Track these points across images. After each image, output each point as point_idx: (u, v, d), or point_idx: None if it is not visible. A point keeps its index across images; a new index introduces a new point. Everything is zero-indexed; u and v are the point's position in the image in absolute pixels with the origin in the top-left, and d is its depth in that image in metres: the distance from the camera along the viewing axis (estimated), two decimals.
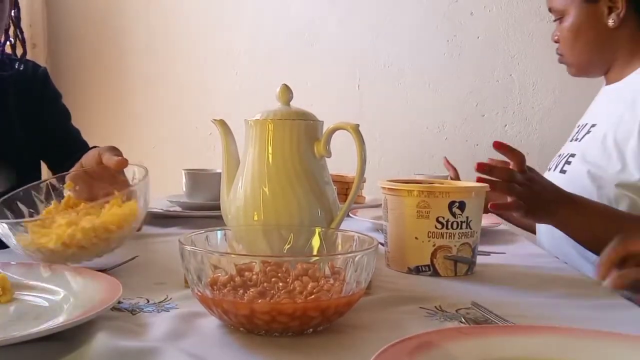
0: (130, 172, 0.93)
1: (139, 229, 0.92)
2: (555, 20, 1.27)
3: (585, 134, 1.23)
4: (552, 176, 1.24)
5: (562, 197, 1.01)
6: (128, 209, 0.82)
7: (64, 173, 0.96)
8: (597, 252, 0.89)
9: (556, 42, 1.28)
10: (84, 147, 1.38)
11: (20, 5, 1.30)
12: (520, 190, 0.96)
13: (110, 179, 0.93)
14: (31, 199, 0.92)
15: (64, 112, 1.39)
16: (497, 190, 0.94)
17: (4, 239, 0.81)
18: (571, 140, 1.30)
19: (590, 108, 1.34)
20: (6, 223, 0.80)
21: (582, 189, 1.13)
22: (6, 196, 0.90)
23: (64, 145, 1.35)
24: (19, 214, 0.89)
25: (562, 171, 1.21)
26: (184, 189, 1.38)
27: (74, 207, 0.89)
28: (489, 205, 0.94)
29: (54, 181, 0.95)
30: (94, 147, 1.08)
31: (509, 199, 0.96)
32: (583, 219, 1.00)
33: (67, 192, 0.93)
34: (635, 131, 1.10)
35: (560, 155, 1.29)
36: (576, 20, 1.21)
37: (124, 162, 0.91)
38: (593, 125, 1.22)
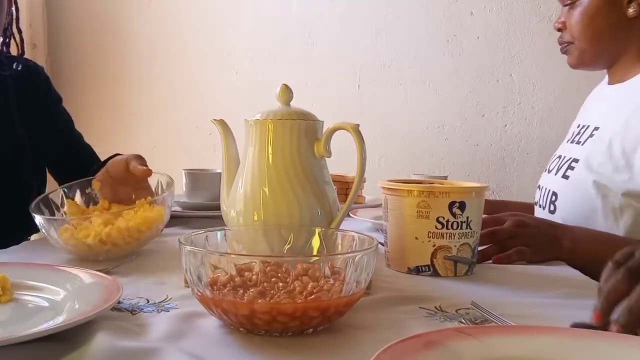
0: (155, 180, 1.06)
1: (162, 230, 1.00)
2: (565, 5, 1.21)
3: (588, 137, 1.18)
4: (553, 180, 1.21)
5: (561, 230, 0.99)
6: (156, 213, 0.92)
7: (90, 177, 1.06)
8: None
9: (559, 29, 1.22)
10: (86, 149, 1.38)
11: (20, 5, 1.30)
12: (513, 241, 0.94)
13: (135, 184, 1.04)
14: (60, 199, 1.02)
15: (66, 116, 1.40)
16: (496, 253, 0.93)
17: (45, 232, 0.90)
18: (571, 142, 1.26)
19: (591, 108, 1.30)
20: (52, 219, 0.92)
21: (586, 196, 1.11)
22: (43, 195, 1.00)
23: (65, 146, 1.36)
24: (52, 211, 0.99)
25: (565, 176, 1.18)
26: (184, 189, 1.39)
27: (108, 210, 1.01)
28: (492, 260, 0.92)
29: (83, 184, 1.06)
30: (117, 154, 1.16)
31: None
32: (588, 247, 0.97)
33: (91, 191, 1.05)
34: None
35: (561, 157, 1.25)
36: (592, 3, 1.15)
37: (149, 172, 1.03)
38: (596, 129, 1.17)
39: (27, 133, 1.28)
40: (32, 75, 1.33)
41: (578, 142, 1.22)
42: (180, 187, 1.40)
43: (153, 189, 1.07)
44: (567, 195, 1.16)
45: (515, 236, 0.94)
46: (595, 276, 0.88)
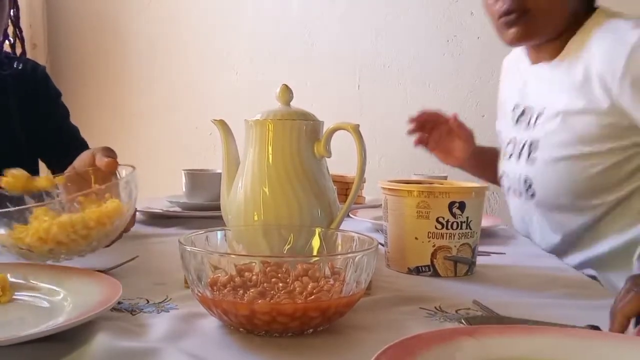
0: (123, 174, 0.91)
1: (126, 230, 0.91)
2: None
3: (537, 120, 1.20)
4: (519, 166, 1.23)
5: None
6: (110, 206, 0.80)
7: (57, 175, 0.95)
8: None
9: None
10: (82, 145, 1.38)
11: (20, 5, 1.31)
12: None
13: (103, 180, 0.91)
14: (22, 200, 0.89)
15: (63, 110, 1.40)
16: None
17: None
18: (516, 123, 1.27)
19: (527, 89, 1.28)
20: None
21: (564, 174, 1.14)
22: None
23: (62, 143, 1.36)
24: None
25: (531, 160, 1.19)
26: (184, 189, 1.38)
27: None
28: None
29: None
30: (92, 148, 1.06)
31: None
32: None
33: (57, 192, 0.92)
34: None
35: (513, 141, 1.27)
36: None
37: (114, 164, 0.90)
38: (544, 109, 1.19)
39: (25, 132, 1.28)
40: (31, 73, 1.34)
41: (527, 125, 1.23)
42: (180, 187, 1.40)
43: None
44: (542, 178, 1.18)
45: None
46: None
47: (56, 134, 1.35)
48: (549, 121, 1.17)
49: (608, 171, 1.12)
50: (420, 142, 1.45)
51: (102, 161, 0.90)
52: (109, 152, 0.92)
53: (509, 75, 1.40)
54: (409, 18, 2.34)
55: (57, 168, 1.35)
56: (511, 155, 1.28)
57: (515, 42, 1.23)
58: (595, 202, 1.14)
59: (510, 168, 1.29)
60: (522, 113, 1.27)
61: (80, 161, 0.95)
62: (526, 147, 1.22)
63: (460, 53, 2.31)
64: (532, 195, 1.21)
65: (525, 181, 1.22)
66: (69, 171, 0.96)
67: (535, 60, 1.27)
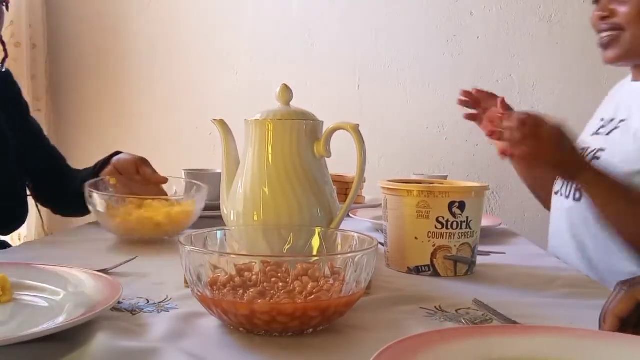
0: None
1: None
2: None
3: (614, 129, 1.18)
4: None
5: (582, 161, 1.01)
6: (181, 209, 1.10)
7: (99, 178, 1.17)
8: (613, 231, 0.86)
9: (605, 17, 1.14)
10: (56, 152, 1.40)
11: (20, 5, 1.30)
12: (526, 140, 0.94)
13: (142, 182, 1.19)
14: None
15: (35, 122, 1.40)
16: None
17: (94, 208, 1.06)
18: (595, 134, 1.24)
19: (615, 102, 1.26)
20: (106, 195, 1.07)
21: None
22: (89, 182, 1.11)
23: (43, 150, 1.37)
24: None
25: None
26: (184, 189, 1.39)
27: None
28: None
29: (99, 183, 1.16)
30: (118, 152, 1.25)
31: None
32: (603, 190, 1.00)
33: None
34: None
35: (584, 149, 1.21)
36: None
37: (165, 180, 1.21)
38: (622, 121, 1.17)
39: (14, 135, 1.27)
40: (6, 79, 1.33)
41: (602, 134, 1.21)
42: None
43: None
44: None
45: (529, 137, 0.95)
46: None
47: (39, 139, 1.37)
48: (623, 132, 1.15)
49: None
50: (472, 117, 1.33)
51: (154, 177, 1.19)
52: (149, 164, 1.21)
53: (615, 95, 1.32)
54: (409, 18, 2.34)
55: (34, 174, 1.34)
56: None
57: (612, 61, 1.18)
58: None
59: None
60: (603, 125, 1.23)
61: (123, 166, 1.20)
62: (592, 153, 1.19)
63: (460, 53, 2.31)
64: (578, 199, 1.16)
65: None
66: (111, 172, 1.20)
67: (636, 78, 1.23)
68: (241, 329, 0.58)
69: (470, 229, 0.84)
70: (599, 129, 1.25)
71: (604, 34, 1.15)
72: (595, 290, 0.79)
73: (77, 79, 2.57)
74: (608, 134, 1.19)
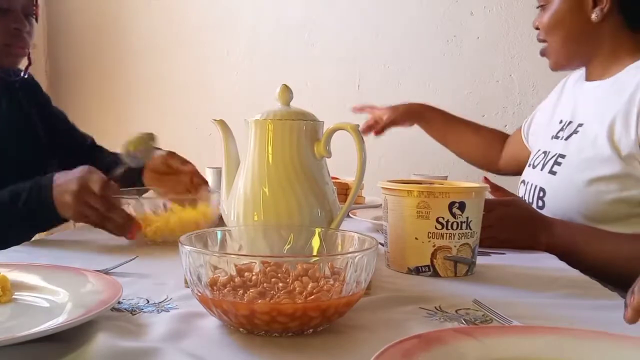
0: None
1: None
2: (538, 7, 1.25)
3: (572, 134, 1.20)
4: (539, 175, 1.23)
5: (540, 225, 1.04)
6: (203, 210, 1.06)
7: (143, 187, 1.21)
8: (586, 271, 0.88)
9: (536, 28, 1.25)
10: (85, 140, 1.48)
11: None
12: (490, 230, 0.97)
13: (175, 175, 1.22)
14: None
15: (60, 111, 1.46)
16: None
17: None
18: (554, 137, 1.27)
19: (572, 104, 1.28)
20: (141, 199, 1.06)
21: (576, 191, 1.12)
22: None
23: (72, 141, 1.43)
24: None
25: (552, 172, 1.19)
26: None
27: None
28: None
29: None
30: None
31: None
32: (567, 241, 1.03)
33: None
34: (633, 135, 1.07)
35: (546, 153, 1.26)
36: (560, 8, 1.19)
37: (194, 169, 1.22)
38: (580, 125, 1.19)
39: (48, 137, 1.34)
40: (32, 80, 1.39)
41: (561, 138, 1.23)
42: None
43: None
44: (556, 191, 1.17)
45: (493, 226, 0.98)
46: (575, 266, 0.92)
47: (66, 135, 1.42)
48: (581, 139, 1.16)
49: (620, 202, 1.08)
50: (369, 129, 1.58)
51: (179, 166, 1.21)
52: (179, 157, 1.24)
53: (567, 91, 1.37)
54: (409, 18, 2.34)
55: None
56: (536, 165, 1.27)
57: (552, 69, 1.29)
58: (602, 228, 1.07)
59: (530, 176, 1.28)
60: (562, 129, 1.26)
61: (152, 164, 1.21)
62: (553, 158, 1.21)
63: (460, 53, 2.31)
64: (541, 207, 1.19)
65: (540, 191, 1.20)
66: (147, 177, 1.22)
67: (587, 78, 1.27)
68: (241, 329, 0.58)
69: (470, 229, 0.84)
70: (558, 132, 1.27)
71: (540, 45, 1.26)
72: (595, 290, 0.79)
73: (77, 78, 2.57)
74: (567, 138, 1.21)
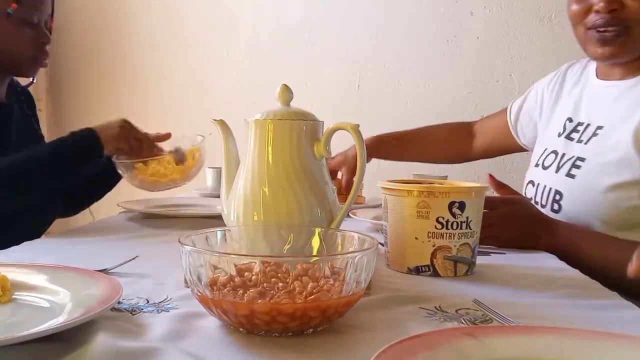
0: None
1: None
2: None
3: (592, 137, 1.17)
4: (555, 178, 1.20)
5: (542, 226, 1.03)
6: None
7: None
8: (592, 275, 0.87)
9: (613, 10, 1.10)
10: None
11: None
12: (491, 229, 0.97)
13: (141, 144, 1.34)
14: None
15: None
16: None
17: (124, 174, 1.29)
18: (566, 138, 1.23)
19: (584, 104, 1.25)
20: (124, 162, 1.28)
21: (596, 196, 1.10)
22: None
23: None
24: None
25: (570, 175, 1.16)
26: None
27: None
28: None
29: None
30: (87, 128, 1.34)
31: None
32: (568, 242, 1.02)
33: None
34: None
35: (558, 154, 1.22)
36: None
37: (168, 135, 1.46)
38: (600, 127, 1.16)
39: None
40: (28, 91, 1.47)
41: (579, 141, 1.20)
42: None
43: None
44: (574, 195, 1.15)
45: (495, 224, 0.99)
46: (578, 267, 0.91)
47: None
48: (601, 142, 1.13)
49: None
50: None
51: (144, 136, 1.33)
52: (134, 128, 1.33)
53: (568, 86, 1.32)
54: (409, 18, 2.34)
55: None
56: (547, 166, 1.24)
57: (606, 60, 1.17)
58: (620, 235, 1.04)
59: (542, 178, 1.24)
60: (575, 129, 1.22)
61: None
62: (570, 161, 1.18)
63: (460, 53, 2.31)
64: (557, 210, 1.17)
65: (556, 194, 1.18)
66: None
67: (602, 76, 1.22)
68: (241, 329, 0.58)
69: (470, 229, 0.84)
70: (570, 132, 1.23)
71: (611, 29, 1.11)
72: (595, 290, 0.79)
73: (77, 78, 2.57)
74: (586, 142, 1.18)
